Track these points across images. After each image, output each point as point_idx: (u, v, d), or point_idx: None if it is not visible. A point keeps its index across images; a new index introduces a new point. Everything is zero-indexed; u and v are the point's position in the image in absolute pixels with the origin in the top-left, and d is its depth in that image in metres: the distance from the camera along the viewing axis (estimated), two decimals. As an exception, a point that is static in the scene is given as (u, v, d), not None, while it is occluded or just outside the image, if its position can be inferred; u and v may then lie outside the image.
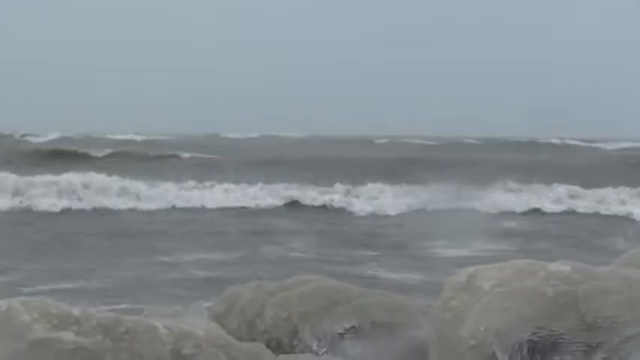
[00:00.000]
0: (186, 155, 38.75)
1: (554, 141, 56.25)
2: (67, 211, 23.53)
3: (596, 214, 24.90)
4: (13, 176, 25.54)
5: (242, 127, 61.70)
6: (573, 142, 56.00)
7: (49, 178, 25.69)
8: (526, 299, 4.91)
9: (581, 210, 25.41)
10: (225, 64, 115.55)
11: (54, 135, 48.91)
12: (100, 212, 23.53)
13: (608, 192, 26.75)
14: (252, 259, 15.78)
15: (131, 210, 23.99)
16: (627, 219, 24.04)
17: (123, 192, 25.32)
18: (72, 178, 25.65)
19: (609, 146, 52.96)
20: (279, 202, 25.68)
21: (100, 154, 36.99)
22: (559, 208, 25.72)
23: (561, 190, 27.13)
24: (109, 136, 51.07)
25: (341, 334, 5.56)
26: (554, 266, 5.12)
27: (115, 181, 25.98)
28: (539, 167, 32.47)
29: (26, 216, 22.38)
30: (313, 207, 25.32)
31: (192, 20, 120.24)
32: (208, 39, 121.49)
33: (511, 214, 24.18)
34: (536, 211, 25.28)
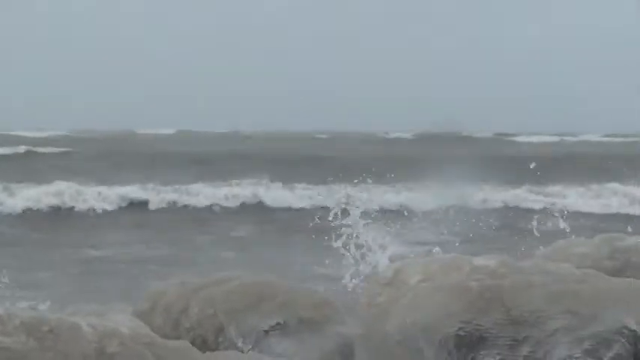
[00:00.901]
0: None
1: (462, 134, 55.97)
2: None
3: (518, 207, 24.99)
4: None
5: (158, 124, 60.83)
6: (483, 135, 55.80)
7: None
8: (452, 294, 4.94)
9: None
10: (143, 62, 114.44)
11: None
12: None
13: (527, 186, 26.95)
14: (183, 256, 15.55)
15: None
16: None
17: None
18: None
19: (523, 139, 53.31)
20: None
21: None
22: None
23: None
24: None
25: (266, 331, 5.53)
26: (479, 261, 5.17)
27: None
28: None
29: None
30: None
31: (108, 17, 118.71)
32: (123, 37, 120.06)
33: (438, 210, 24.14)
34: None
